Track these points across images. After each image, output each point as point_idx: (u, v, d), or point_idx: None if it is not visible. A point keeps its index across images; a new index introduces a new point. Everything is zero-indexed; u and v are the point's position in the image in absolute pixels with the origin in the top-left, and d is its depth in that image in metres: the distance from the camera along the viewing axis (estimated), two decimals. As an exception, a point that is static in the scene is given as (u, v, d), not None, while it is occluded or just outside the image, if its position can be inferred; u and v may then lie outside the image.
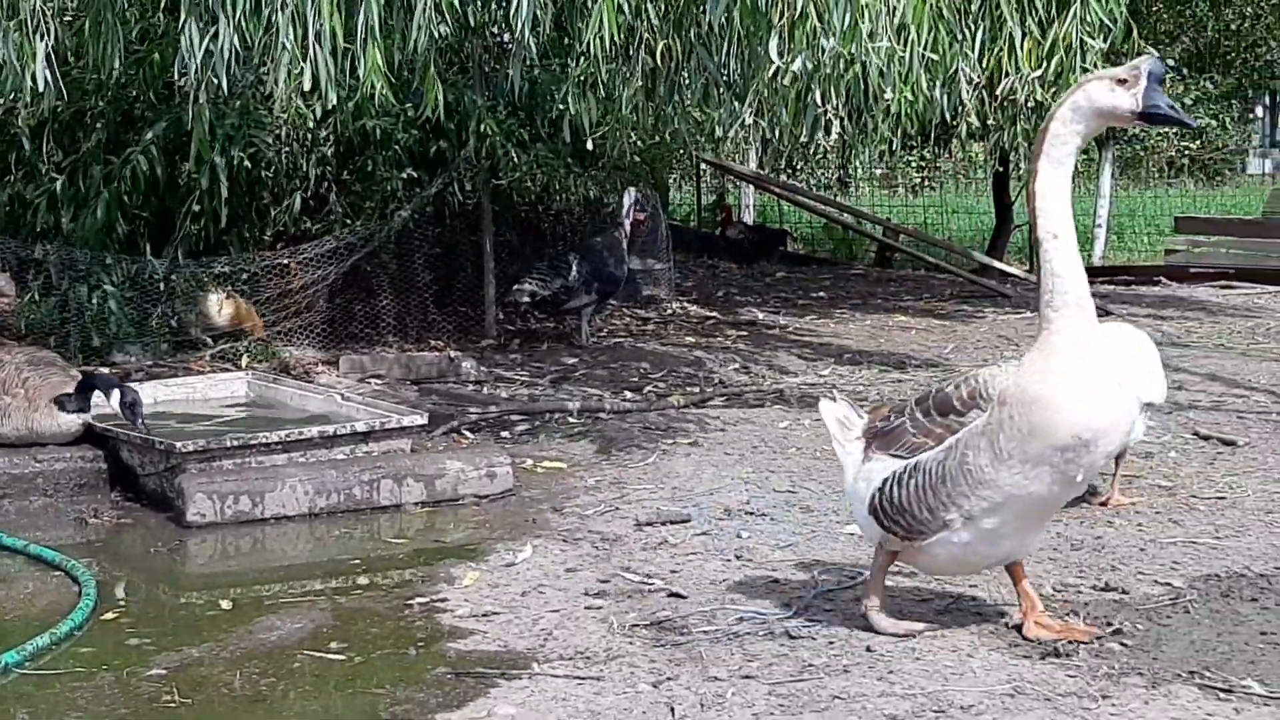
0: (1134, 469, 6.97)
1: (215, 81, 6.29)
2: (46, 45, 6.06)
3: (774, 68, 6.02)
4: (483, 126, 9.66)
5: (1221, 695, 4.20)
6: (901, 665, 4.47)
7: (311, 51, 6.05)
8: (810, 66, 6.04)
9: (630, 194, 11.31)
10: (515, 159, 10.18)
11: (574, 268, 10.75)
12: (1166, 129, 15.73)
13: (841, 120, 7.01)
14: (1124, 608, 4.99)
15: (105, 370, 8.59)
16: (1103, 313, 12.52)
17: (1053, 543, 5.79)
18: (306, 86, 6.13)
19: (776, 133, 6.66)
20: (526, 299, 10.80)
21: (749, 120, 6.64)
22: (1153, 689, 4.24)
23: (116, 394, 6.79)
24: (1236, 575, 5.34)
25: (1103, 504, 6.38)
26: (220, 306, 9.70)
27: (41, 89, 6.14)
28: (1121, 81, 4.36)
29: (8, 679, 4.52)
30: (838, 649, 4.63)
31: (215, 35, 6.10)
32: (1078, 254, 4.43)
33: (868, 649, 4.61)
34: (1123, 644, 4.62)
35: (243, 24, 6.05)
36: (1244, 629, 4.77)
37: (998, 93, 7.20)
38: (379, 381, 9.46)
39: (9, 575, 5.70)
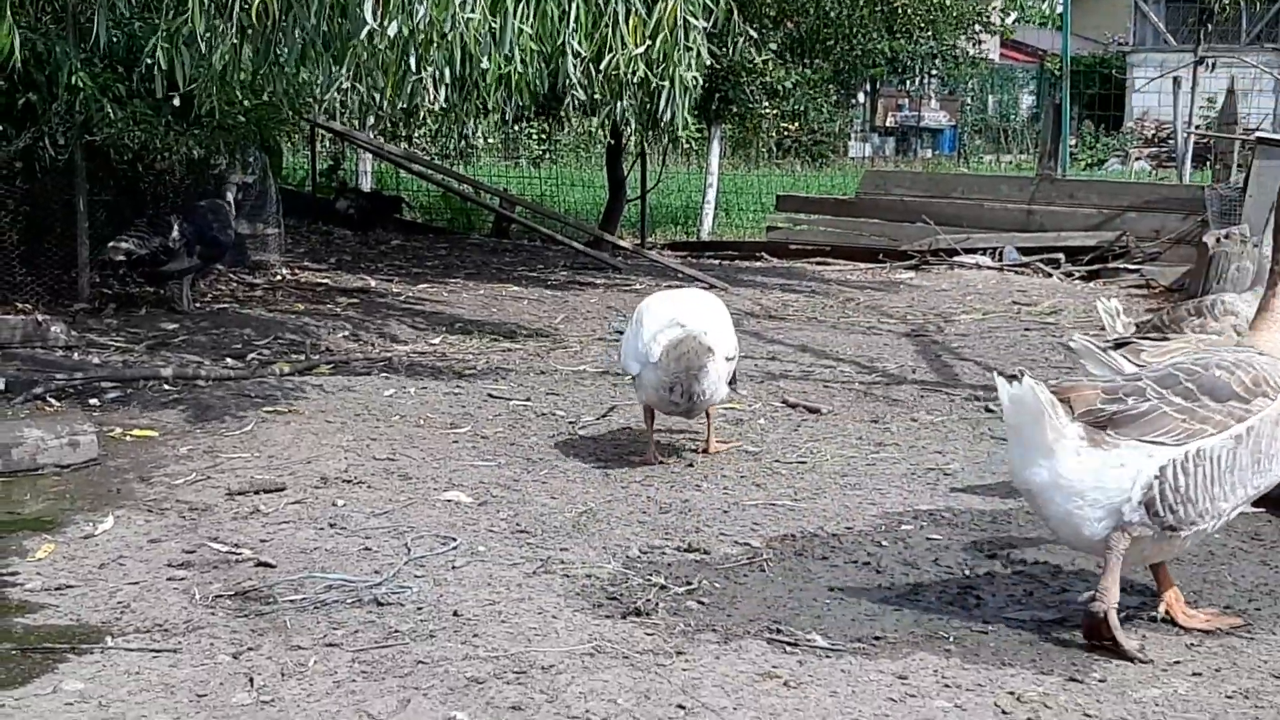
0: (724, 434, 7.24)
1: None
2: None
3: (367, 29, 5.93)
4: (75, 79, 9.17)
5: (788, 648, 4.41)
6: (487, 629, 4.52)
7: None
8: (405, 31, 5.98)
9: (232, 193, 11.05)
10: (111, 114, 9.71)
11: (175, 228, 10.35)
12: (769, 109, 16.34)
13: (447, 88, 6.98)
14: (704, 567, 5.18)
15: None
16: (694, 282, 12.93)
17: (643, 506, 5.97)
18: None
19: (376, 98, 6.55)
20: (122, 257, 10.32)
21: (346, 84, 6.53)
22: (725, 644, 4.42)
23: None
24: (810, 535, 5.62)
25: (704, 451, 6.86)
26: None
27: None
28: None
29: None
30: (425, 615, 4.64)
31: None
32: None
33: (455, 614, 4.63)
34: (700, 602, 4.80)
35: None
36: (813, 585, 5.03)
37: (602, 68, 7.30)
38: (-42, 346, 8.91)
39: None
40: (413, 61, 6.21)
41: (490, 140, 24.45)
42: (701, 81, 7.96)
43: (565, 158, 26.25)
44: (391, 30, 5.98)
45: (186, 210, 10.73)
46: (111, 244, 10.32)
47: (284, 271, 12.96)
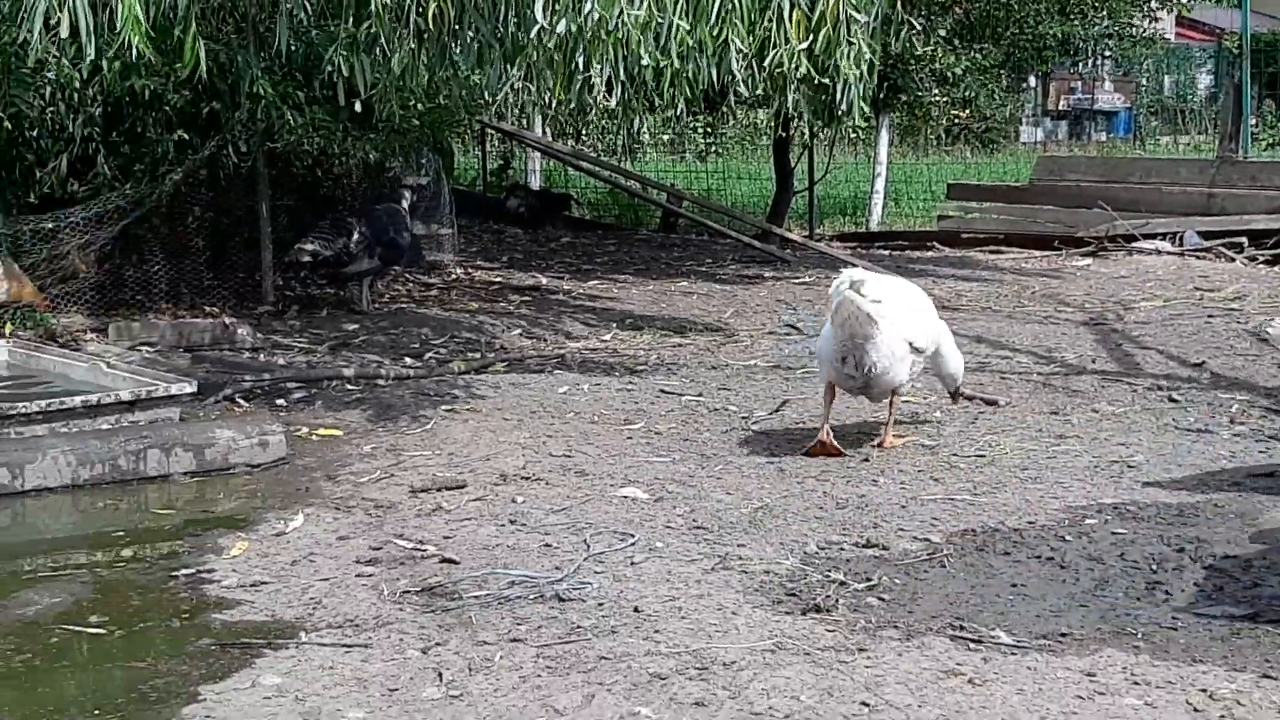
0: (900, 428, 7.18)
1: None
2: None
3: (537, 28, 6.03)
4: (256, 88, 9.44)
5: (972, 645, 4.36)
6: (668, 625, 4.55)
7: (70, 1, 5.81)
8: (574, 29, 6.06)
9: (407, 196, 11.30)
10: (291, 121, 9.98)
11: (356, 231, 10.61)
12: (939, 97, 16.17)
13: (621, 86, 7.06)
14: (884, 563, 5.15)
15: None
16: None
17: (819, 501, 5.95)
18: (64, 34, 5.89)
19: (545, 97, 6.62)
20: (308, 258, 10.61)
21: (518, 84, 6.62)
22: (907, 641, 4.39)
23: None
24: (991, 530, 5.55)
25: (879, 445, 6.79)
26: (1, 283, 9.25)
27: None
28: None
29: None
30: (606, 610, 4.68)
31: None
32: None
33: (635, 609, 4.67)
34: (881, 599, 4.77)
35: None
36: (995, 581, 4.96)
37: (766, 64, 7.29)
38: (151, 349, 9.23)
39: None
40: (580, 60, 6.28)
41: (658, 136, 24.55)
42: (870, 72, 7.91)
43: (731, 150, 26.24)
44: (560, 28, 6.06)
45: (366, 213, 10.99)
46: (297, 245, 10.61)
47: (458, 271, 13.18)
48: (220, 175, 10.73)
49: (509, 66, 6.53)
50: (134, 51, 5.86)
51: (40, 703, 4.05)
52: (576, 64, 6.36)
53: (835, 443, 6.68)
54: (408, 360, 9.20)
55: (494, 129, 17.36)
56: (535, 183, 20.12)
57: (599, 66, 6.36)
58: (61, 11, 5.71)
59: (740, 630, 4.50)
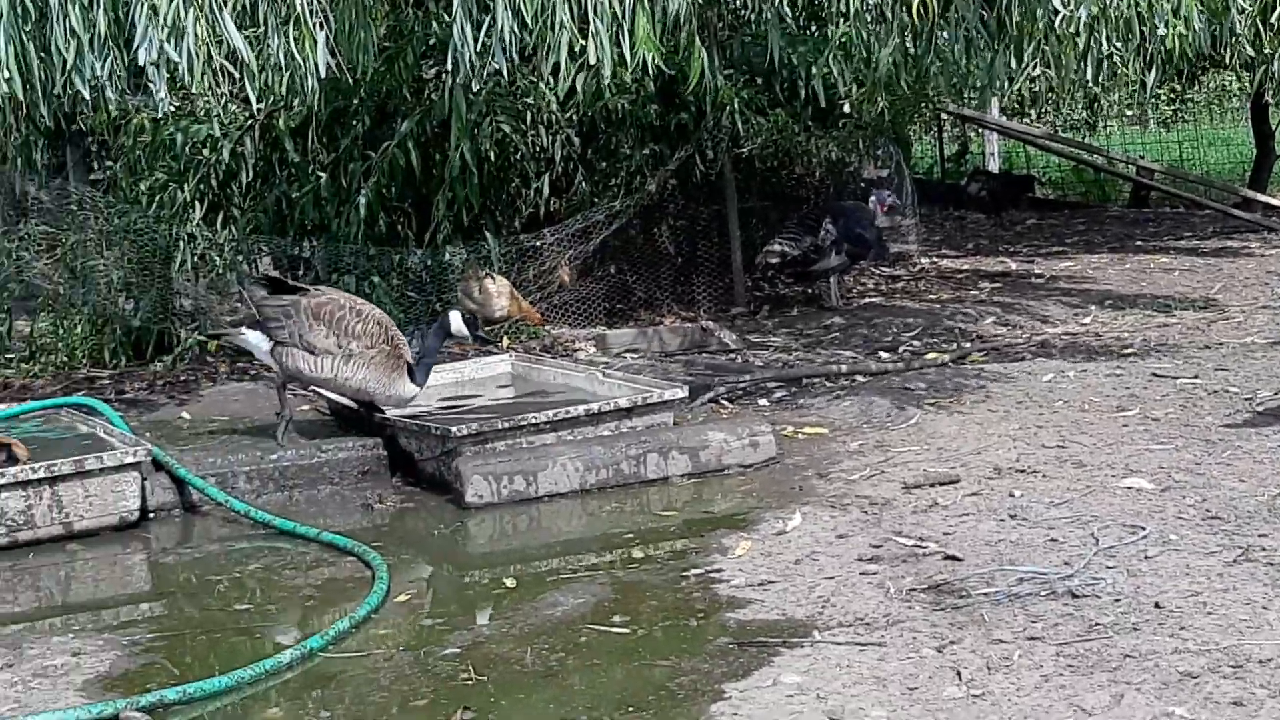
0: None
1: (495, 67, 6.41)
2: (327, 34, 6.21)
3: (1060, 16, 5.91)
4: (721, 95, 9.67)
5: None
6: (1193, 621, 4.36)
7: (592, 27, 6.12)
8: (1096, 10, 5.90)
9: (877, 195, 11.29)
10: (755, 126, 10.17)
11: (823, 228, 10.69)
12: None
13: (1126, 60, 6.85)
14: None
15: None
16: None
17: (1345, 487, 5.57)
18: (591, 61, 6.21)
19: (1060, 78, 6.45)
20: (776, 259, 10.77)
21: (1019, 70, 6.50)
22: None
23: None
24: None
25: None
26: (500, 299, 9.81)
27: (324, 75, 6.24)
28: None
29: (313, 662, 4.74)
30: (1124, 606, 4.53)
31: (493, 23, 6.19)
32: None
33: (1156, 605, 4.50)
34: None
35: (522, 7, 6.12)
36: None
37: (1272, 20, 6.90)
38: (635, 355, 9.59)
39: (305, 563, 5.95)
40: (1103, 37, 6.11)
41: (1120, 107, 23.61)
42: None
43: (1199, 116, 24.91)
44: (1082, 14, 5.92)
45: (833, 210, 11.05)
46: (766, 247, 10.81)
47: (923, 261, 13.08)
48: (689, 183, 11.03)
49: (1016, 58, 6.41)
50: (649, 68, 6.10)
51: (578, 698, 4.28)
52: (1097, 41, 6.17)
53: None
54: (883, 354, 9.20)
55: (950, 114, 17.14)
56: (994, 165, 19.72)
57: (1120, 44, 6.17)
58: (586, 39, 6.02)
59: (1274, 625, 4.27)
